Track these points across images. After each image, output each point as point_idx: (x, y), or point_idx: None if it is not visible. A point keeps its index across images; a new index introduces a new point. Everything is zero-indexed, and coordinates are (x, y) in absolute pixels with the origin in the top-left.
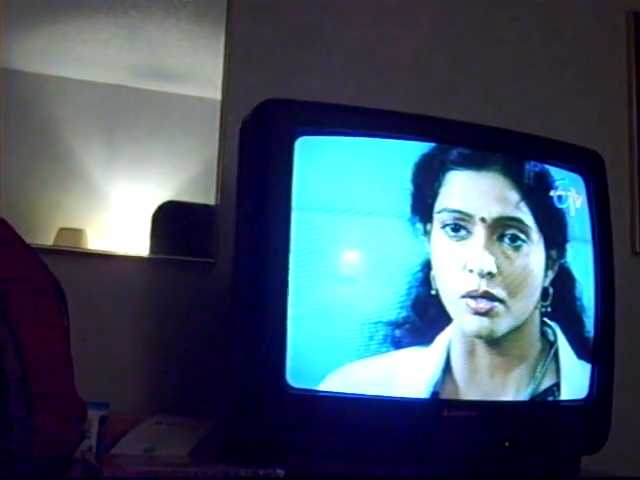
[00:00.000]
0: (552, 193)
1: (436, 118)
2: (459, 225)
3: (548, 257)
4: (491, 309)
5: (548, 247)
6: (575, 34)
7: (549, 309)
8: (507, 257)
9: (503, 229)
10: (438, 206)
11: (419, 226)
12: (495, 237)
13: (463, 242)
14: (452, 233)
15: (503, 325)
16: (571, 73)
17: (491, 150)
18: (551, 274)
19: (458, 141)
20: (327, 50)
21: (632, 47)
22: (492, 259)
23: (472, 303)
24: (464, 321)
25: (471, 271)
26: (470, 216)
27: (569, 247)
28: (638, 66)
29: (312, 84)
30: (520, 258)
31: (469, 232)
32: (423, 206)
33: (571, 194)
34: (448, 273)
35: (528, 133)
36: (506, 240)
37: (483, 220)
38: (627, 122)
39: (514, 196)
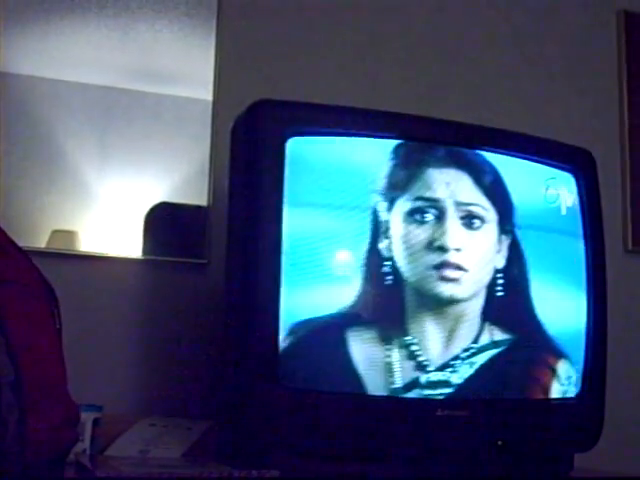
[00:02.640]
0: (542, 191)
1: (426, 118)
2: (426, 210)
3: (499, 239)
4: (460, 277)
5: (502, 232)
6: (566, 33)
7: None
8: (471, 237)
9: (468, 213)
10: (409, 195)
11: (386, 215)
12: (460, 219)
13: (430, 224)
14: (420, 218)
15: (465, 289)
16: (562, 72)
17: (480, 149)
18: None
19: (446, 140)
20: (319, 50)
21: (623, 46)
22: (460, 237)
23: (442, 272)
24: (435, 288)
25: (440, 247)
26: (437, 200)
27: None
28: (629, 65)
29: (304, 84)
30: (481, 238)
31: (437, 216)
32: (393, 198)
33: (562, 193)
34: (416, 253)
35: (519, 132)
36: (468, 221)
37: (454, 204)
38: (618, 120)
39: (485, 184)
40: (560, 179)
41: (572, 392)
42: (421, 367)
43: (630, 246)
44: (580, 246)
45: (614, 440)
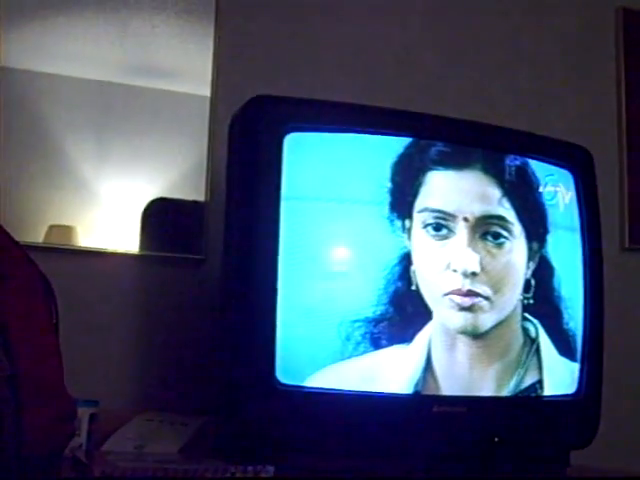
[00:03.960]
0: (540, 189)
1: (423, 114)
2: (441, 224)
3: (530, 249)
4: (474, 304)
5: (530, 240)
6: (564, 30)
7: (531, 301)
8: (490, 254)
9: (486, 227)
10: (419, 205)
11: (398, 223)
12: (478, 235)
13: (445, 241)
14: (434, 232)
15: (487, 320)
16: (560, 69)
17: (478, 146)
18: (532, 265)
19: (445, 137)
20: (316, 46)
21: (621, 43)
22: (476, 258)
23: (456, 299)
24: (447, 316)
25: (455, 271)
26: (452, 216)
27: (553, 240)
28: (627, 62)
29: (301, 80)
30: (503, 255)
31: (451, 231)
32: (403, 203)
33: (560, 190)
34: (430, 272)
35: (517, 129)
36: (489, 238)
37: (466, 219)
38: (616, 118)
39: (496, 193)
40: (558, 176)
41: (569, 389)
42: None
43: (627, 244)
44: (577, 243)
45: (610, 437)
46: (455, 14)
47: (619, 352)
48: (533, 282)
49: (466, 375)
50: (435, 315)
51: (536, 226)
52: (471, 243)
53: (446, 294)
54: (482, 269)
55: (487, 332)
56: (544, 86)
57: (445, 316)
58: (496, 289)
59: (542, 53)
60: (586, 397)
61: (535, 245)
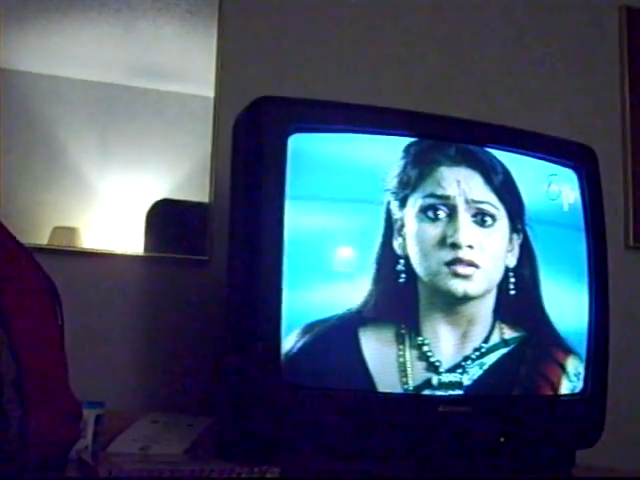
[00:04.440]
0: (545, 188)
1: (427, 114)
2: (437, 208)
3: (512, 232)
4: (472, 274)
5: (513, 230)
6: (568, 29)
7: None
8: (483, 235)
9: (479, 211)
10: (420, 193)
11: (399, 222)
12: (471, 217)
13: (442, 222)
14: (432, 215)
15: (478, 286)
16: (564, 68)
17: (482, 145)
18: (518, 257)
19: (449, 137)
20: (320, 47)
21: (625, 42)
22: (472, 234)
23: (459, 268)
24: (447, 284)
25: (453, 245)
26: (448, 197)
27: (553, 238)
28: (631, 61)
29: (305, 81)
30: (493, 236)
31: (447, 214)
32: (404, 201)
33: (564, 189)
34: (428, 252)
35: (521, 128)
36: (480, 219)
37: (465, 202)
38: (620, 117)
39: (495, 183)
40: (562, 175)
41: (575, 389)
42: (433, 368)
43: (632, 242)
44: (582, 242)
45: (615, 437)
46: (458, 14)
47: (624, 351)
48: (512, 272)
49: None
50: (428, 285)
51: (520, 218)
52: (466, 222)
53: (447, 263)
54: (477, 245)
55: (470, 299)
56: (548, 85)
57: (440, 282)
58: (489, 262)
59: (545, 52)
60: (591, 396)
61: (516, 237)
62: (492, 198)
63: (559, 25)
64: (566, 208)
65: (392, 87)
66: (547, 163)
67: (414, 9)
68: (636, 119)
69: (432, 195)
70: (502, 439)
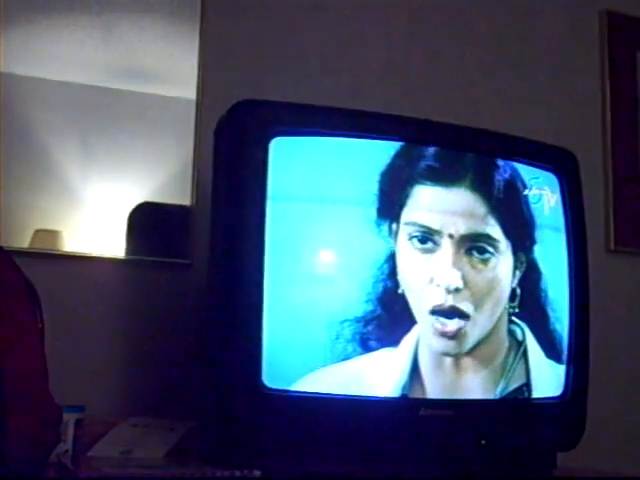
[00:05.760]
0: (526, 192)
1: (409, 118)
2: (426, 238)
3: (516, 260)
4: (459, 330)
5: (516, 251)
6: (549, 33)
7: (517, 310)
8: (474, 269)
9: (471, 243)
10: (405, 217)
11: (385, 226)
12: (463, 251)
13: (430, 255)
14: (419, 245)
15: (470, 342)
16: (545, 72)
17: (463, 150)
18: (519, 274)
19: (430, 141)
20: (302, 50)
21: (605, 46)
22: (459, 274)
23: (438, 325)
24: (432, 340)
25: (438, 286)
26: (438, 232)
27: (539, 247)
28: (611, 65)
29: (287, 84)
30: (488, 270)
31: (436, 245)
32: (389, 208)
33: (545, 193)
34: (415, 283)
35: (502, 132)
36: (474, 253)
37: (451, 236)
38: (601, 121)
39: (482, 210)
40: (543, 179)
41: (555, 392)
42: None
43: (612, 246)
44: (563, 246)
45: (596, 439)
46: (440, 18)
47: (604, 354)
48: (519, 291)
49: (453, 380)
50: (420, 326)
51: (523, 238)
52: (455, 258)
53: (431, 312)
54: (465, 284)
55: (471, 349)
56: (529, 89)
57: (430, 338)
58: (479, 305)
59: (527, 56)
60: (572, 399)
61: (522, 256)
62: (489, 228)
63: (540, 29)
64: (547, 212)
65: (373, 91)
66: (528, 167)
67: (395, 13)
68: (616, 123)
69: (421, 225)
70: (483, 442)
